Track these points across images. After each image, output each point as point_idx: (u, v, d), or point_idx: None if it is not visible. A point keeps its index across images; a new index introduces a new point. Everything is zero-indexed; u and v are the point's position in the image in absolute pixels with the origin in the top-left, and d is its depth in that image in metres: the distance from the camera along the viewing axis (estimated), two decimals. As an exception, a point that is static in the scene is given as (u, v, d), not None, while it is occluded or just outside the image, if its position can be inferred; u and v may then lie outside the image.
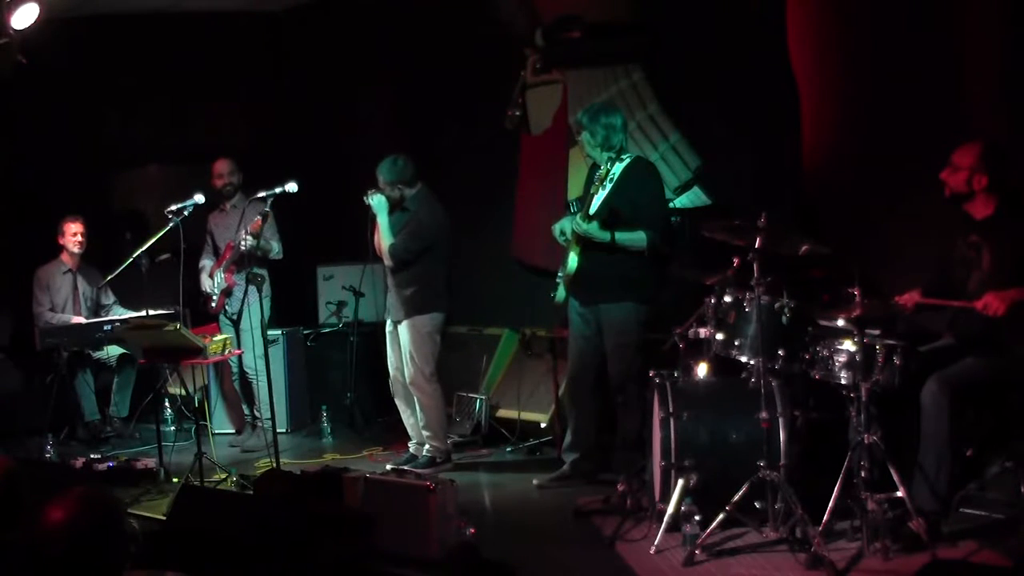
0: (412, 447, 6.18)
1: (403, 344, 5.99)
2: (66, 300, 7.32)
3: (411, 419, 6.14)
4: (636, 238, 5.29)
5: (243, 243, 6.29)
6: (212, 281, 6.78)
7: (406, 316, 5.97)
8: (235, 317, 6.64)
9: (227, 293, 6.71)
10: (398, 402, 6.17)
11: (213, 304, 6.78)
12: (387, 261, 5.96)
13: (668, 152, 6.72)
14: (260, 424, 6.71)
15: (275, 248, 6.72)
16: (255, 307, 6.39)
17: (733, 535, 4.44)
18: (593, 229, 5.28)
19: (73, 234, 7.30)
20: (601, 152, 5.38)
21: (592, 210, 5.33)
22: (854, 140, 5.98)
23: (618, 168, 5.36)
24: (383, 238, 5.92)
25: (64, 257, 7.34)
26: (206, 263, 6.90)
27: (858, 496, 4.20)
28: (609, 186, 5.33)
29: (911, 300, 4.55)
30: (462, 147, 7.65)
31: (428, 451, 6.06)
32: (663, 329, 5.27)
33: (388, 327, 6.15)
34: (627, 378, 5.35)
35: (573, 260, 5.40)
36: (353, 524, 4.12)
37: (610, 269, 5.33)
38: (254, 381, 6.73)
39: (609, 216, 5.31)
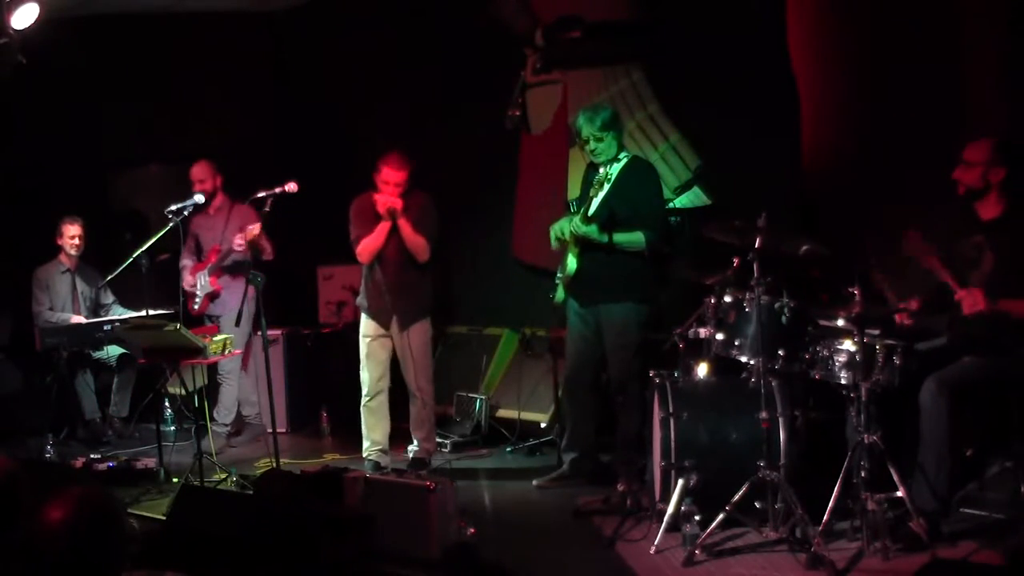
0: (375, 455, 5.97)
1: (411, 348, 5.88)
2: (65, 300, 7.30)
3: (384, 426, 6.00)
4: (635, 239, 5.28)
5: (237, 248, 6.25)
6: (196, 281, 6.72)
7: (416, 318, 5.92)
8: (218, 321, 6.60)
9: (212, 297, 6.68)
10: (373, 412, 5.97)
11: (195, 306, 6.72)
12: (424, 256, 5.82)
13: (668, 152, 6.72)
14: (214, 427, 6.55)
15: (266, 249, 6.61)
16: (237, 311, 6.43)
17: (733, 535, 4.44)
18: (592, 231, 5.27)
19: (71, 237, 7.26)
20: (614, 154, 5.36)
21: (592, 212, 5.31)
22: (854, 140, 5.98)
23: (615, 169, 5.34)
24: (412, 235, 5.80)
25: (62, 257, 7.32)
26: (187, 263, 6.82)
27: (858, 496, 4.20)
28: (608, 187, 5.32)
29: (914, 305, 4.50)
30: (462, 147, 7.65)
31: (416, 452, 6.02)
32: (663, 329, 5.28)
33: (377, 336, 5.93)
34: (628, 378, 5.34)
35: (572, 261, 5.39)
36: (353, 524, 4.12)
37: (609, 270, 5.32)
38: (223, 383, 6.72)
39: (608, 218, 5.30)
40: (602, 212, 5.31)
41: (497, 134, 6.56)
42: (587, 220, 5.27)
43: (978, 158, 4.43)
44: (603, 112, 5.39)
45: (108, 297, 7.49)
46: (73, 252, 7.30)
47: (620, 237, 5.28)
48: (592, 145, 5.35)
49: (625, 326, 5.35)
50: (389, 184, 5.77)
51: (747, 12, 6.23)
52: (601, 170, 5.30)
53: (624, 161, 5.40)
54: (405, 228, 5.78)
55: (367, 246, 5.85)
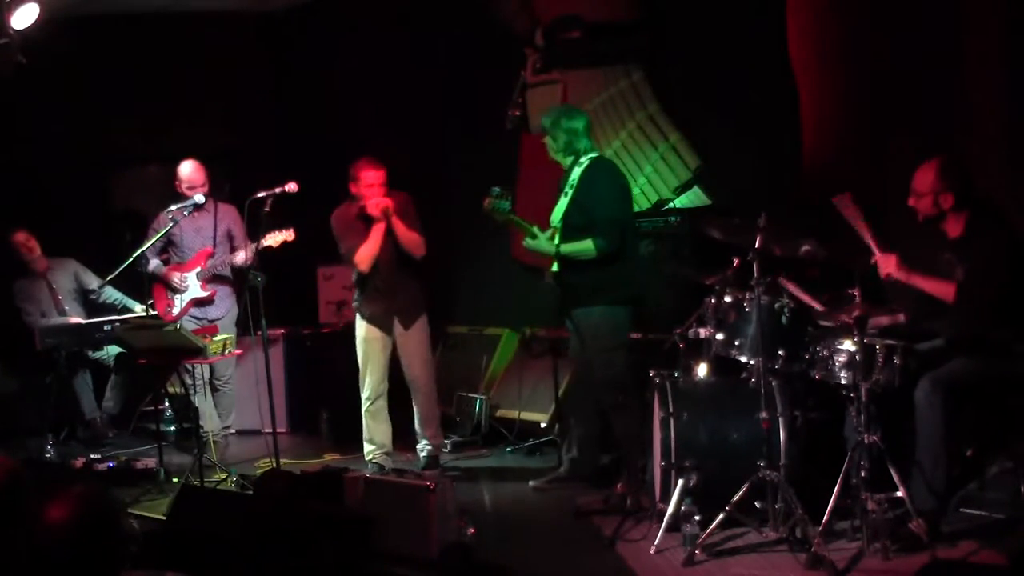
0: (379, 458, 5.92)
1: (414, 345, 5.88)
2: (48, 304, 7.23)
3: (386, 428, 5.95)
4: (583, 248, 5.17)
5: (258, 248, 6.10)
6: (179, 285, 6.54)
7: (417, 316, 5.90)
8: (209, 324, 6.49)
9: (200, 303, 6.52)
10: (375, 416, 5.90)
11: (174, 311, 6.48)
12: (423, 251, 5.80)
13: (668, 152, 6.72)
14: (223, 434, 6.51)
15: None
16: (233, 314, 6.40)
17: (733, 535, 4.44)
18: (540, 244, 5.27)
19: (21, 243, 7.16)
20: (564, 157, 5.35)
21: (556, 219, 5.26)
22: (854, 140, 5.98)
23: (577, 173, 5.31)
24: (407, 232, 5.76)
25: (31, 267, 7.23)
26: (156, 262, 6.60)
27: (858, 496, 4.19)
28: (570, 193, 5.30)
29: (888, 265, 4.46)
30: (462, 147, 7.65)
31: (430, 450, 6.00)
32: (663, 329, 5.27)
33: (377, 339, 5.88)
34: (611, 382, 5.23)
35: (555, 264, 5.38)
36: (353, 524, 4.12)
37: (579, 275, 5.25)
38: (222, 390, 6.68)
39: (568, 225, 5.25)
40: (563, 220, 5.28)
41: (497, 134, 6.57)
42: (534, 228, 5.25)
43: (926, 187, 4.42)
44: (558, 111, 5.46)
45: (92, 281, 7.32)
46: (33, 256, 7.19)
47: (568, 248, 5.20)
48: (547, 140, 5.38)
49: (599, 330, 5.23)
50: (374, 186, 5.70)
51: (747, 12, 6.23)
52: (567, 174, 5.31)
53: (585, 164, 5.31)
54: (399, 227, 5.72)
55: (366, 253, 5.75)
